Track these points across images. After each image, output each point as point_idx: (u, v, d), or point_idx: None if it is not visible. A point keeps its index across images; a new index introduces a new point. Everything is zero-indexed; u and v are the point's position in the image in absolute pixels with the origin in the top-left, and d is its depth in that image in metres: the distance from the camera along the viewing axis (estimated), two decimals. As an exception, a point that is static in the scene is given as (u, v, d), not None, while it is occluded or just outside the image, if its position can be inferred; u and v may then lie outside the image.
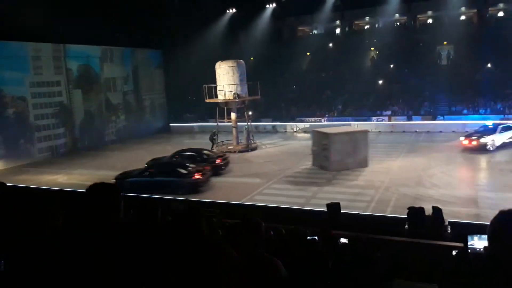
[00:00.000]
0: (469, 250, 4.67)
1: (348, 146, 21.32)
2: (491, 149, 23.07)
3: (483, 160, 21.99)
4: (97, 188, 2.84)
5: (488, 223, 2.36)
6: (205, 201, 14.28)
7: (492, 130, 24.11)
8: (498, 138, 23.50)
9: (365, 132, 22.07)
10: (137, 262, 2.69)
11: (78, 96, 32.27)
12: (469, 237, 4.66)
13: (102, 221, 2.73)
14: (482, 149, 22.93)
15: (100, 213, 2.75)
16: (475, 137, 23.52)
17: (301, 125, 36.06)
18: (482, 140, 23.14)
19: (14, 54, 27.34)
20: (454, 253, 5.67)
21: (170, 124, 40.39)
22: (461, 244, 6.17)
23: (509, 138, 23.93)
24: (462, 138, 24.19)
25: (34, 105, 28.58)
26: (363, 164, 21.32)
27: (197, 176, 18.08)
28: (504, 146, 23.39)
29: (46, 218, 2.70)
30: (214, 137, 28.29)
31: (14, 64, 27.07)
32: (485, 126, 25.25)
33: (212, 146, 27.60)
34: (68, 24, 25.87)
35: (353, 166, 21.05)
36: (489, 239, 2.22)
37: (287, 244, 5.89)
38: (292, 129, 35.95)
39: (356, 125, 34.07)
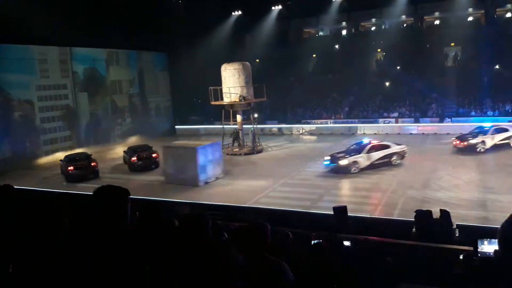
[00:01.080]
0: (478, 254, 4.61)
1: (180, 161, 20.65)
2: (482, 150, 22.99)
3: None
4: (105, 191, 2.83)
5: (498, 226, 2.32)
6: (210, 204, 14.26)
7: (485, 132, 23.95)
8: (489, 140, 23.33)
9: (193, 149, 20.60)
10: (143, 266, 2.67)
11: (84, 99, 32.45)
12: (478, 241, 4.60)
13: (109, 224, 2.71)
14: (472, 150, 22.92)
15: (107, 216, 2.74)
16: (466, 138, 23.78)
17: (307, 127, 35.98)
18: (472, 141, 23.22)
19: (21, 58, 27.60)
20: (461, 257, 5.60)
21: (176, 126, 40.47)
22: (470, 248, 6.09)
23: (502, 140, 23.65)
24: (453, 138, 24.49)
25: (40, 108, 28.79)
26: (192, 182, 19.95)
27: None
28: (496, 147, 23.28)
29: (53, 221, 2.69)
30: (237, 138, 28.70)
31: (21, 68, 27.30)
32: (481, 127, 25.00)
33: (233, 144, 28.51)
34: (74, 27, 26.04)
35: (184, 182, 19.90)
36: (499, 243, 2.17)
37: (294, 247, 5.86)
38: (298, 131, 35.88)
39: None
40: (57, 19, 23.80)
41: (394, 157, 21.41)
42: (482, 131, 24.18)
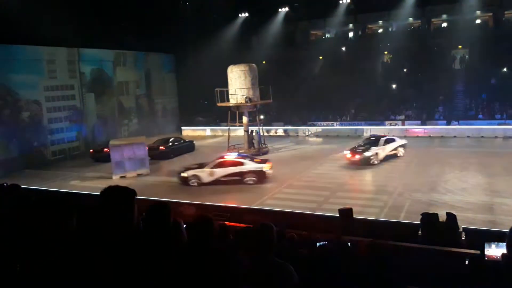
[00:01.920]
0: (485, 258, 4.58)
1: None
2: (376, 162, 22.34)
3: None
4: (112, 191, 2.84)
5: (505, 230, 2.30)
6: (216, 205, 14.26)
7: (374, 143, 23.41)
8: (381, 151, 22.87)
9: (108, 147, 23.66)
10: (149, 266, 2.68)
11: (91, 100, 32.64)
12: (486, 245, 4.56)
13: (116, 224, 2.72)
14: (367, 162, 22.15)
15: (113, 215, 2.75)
16: (359, 151, 22.80)
17: (313, 129, 35.92)
18: (366, 154, 22.38)
19: (29, 58, 27.79)
20: (467, 260, 5.56)
21: (182, 127, 40.56)
22: (476, 251, 6.05)
23: (392, 150, 23.42)
24: (346, 152, 23.17)
25: (48, 109, 28.98)
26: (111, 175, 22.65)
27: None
28: (386, 159, 22.96)
29: (60, 221, 2.71)
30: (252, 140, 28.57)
31: (29, 68, 27.49)
32: (372, 138, 24.69)
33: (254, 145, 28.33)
34: (82, 28, 26.22)
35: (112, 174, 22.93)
36: (508, 247, 2.15)
37: (299, 249, 5.85)
38: (304, 133, 35.84)
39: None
40: (65, 20, 23.97)
41: (248, 176, 19.98)
42: (372, 143, 23.62)
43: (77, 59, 31.40)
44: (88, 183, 21.52)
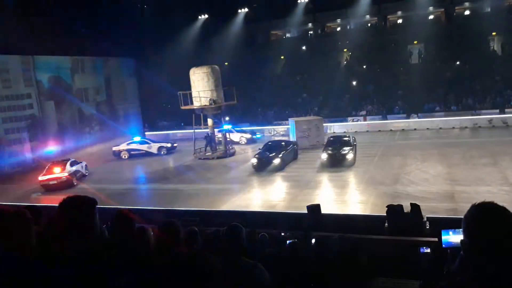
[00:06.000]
0: (443, 245, 4.76)
1: None
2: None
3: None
4: (71, 202, 2.76)
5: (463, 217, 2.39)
6: (185, 210, 14.13)
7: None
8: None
9: None
10: (115, 277, 2.62)
11: (50, 108, 31.56)
12: (444, 232, 4.75)
13: (77, 236, 2.65)
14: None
15: (74, 227, 2.67)
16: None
17: (278, 128, 36.14)
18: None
19: (-20, 68, 26.59)
20: (429, 249, 5.73)
21: (146, 133, 39.88)
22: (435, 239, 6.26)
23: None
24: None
25: (3, 119, 27.79)
26: None
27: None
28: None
29: (18, 235, 2.61)
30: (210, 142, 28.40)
31: (-19, 78, 26.31)
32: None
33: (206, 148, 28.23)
34: (36, 35, 25.32)
35: None
36: (464, 233, 2.24)
37: (269, 248, 5.87)
38: (270, 133, 36.00)
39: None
40: (17, 27, 23.11)
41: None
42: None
43: (33, 67, 30.27)
44: (52, 195, 20.82)
